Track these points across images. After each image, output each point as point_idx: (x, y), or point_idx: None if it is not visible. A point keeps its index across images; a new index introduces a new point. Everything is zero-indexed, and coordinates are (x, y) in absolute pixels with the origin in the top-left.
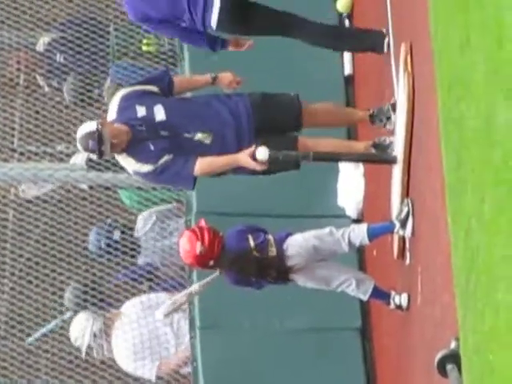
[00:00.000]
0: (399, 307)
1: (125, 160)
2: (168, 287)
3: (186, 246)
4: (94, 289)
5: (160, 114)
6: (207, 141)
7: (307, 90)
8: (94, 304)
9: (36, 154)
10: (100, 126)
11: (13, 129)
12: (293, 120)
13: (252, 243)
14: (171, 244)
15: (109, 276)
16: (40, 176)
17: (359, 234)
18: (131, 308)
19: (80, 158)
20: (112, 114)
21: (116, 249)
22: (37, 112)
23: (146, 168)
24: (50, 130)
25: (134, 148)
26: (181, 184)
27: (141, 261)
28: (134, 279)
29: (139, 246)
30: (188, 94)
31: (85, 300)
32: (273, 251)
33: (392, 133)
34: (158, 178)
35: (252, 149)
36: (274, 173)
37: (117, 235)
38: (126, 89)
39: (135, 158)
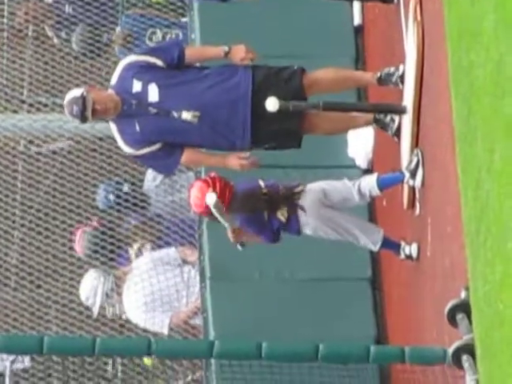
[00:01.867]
0: (409, 257)
1: (114, 133)
2: (177, 240)
3: (197, 194)
4: (105, 233)
5: (153, 94)
6: (194, 120)
7: (317, 40)
8: (110, 251)
9: (45, 106)
10: (85, 93)
11: (22, 80)
12: (294, 97)
13: (262, 184)
14: (181, 199)
15: (119, 227)
16: (49, 127)
17: (369, 184)
18: (142, 263)
19: None
20: (113, 79)
21: (126, 200)
22: (46, 63)
23: (129, 150)
24: (59, 80)
25: (121, 124)
26: (161, 172)
27: (151, 214)
28: (144, 223)
29: (149, 198)
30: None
31: (100, 247)
32: (283, 189)
33: (401, 84)
34: (140, 161)
35: (242, 155)
36: (274, 149)
37: (126, 188)
38: (131, 57)
39: (121, 135)
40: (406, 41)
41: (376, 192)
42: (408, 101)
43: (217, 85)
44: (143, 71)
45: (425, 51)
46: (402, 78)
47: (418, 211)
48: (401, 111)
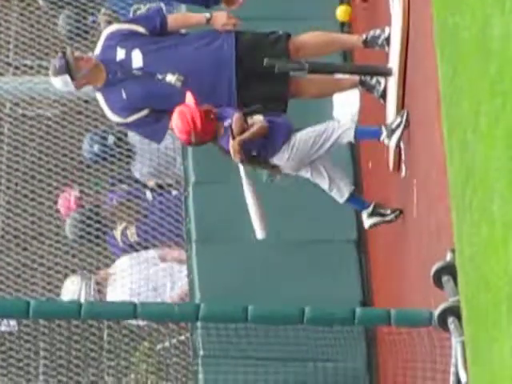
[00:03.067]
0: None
1: (101, 102)
2: (164, 218)
3: (179, 126)
4: (89, 217)
5: (137, 60)
6: (177, 84)
7: (302, 2)
8: (97, 230)
9: (31, 68)
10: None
11: (8, 42)
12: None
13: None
14: (166, 159)
15: (104, 190)
16: (35, 90)
17: (347, 134)
18: (122, 263)
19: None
20: (97, 49)
21: (111, 155)
22: (32, 25)
23: (117, 119)
24: (45, 43)
25: (107, 91)
26: (151, 138)
27: (136, 173)
28: (128, 200)
29: (134, 154)
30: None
31: (87, 227)
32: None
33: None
34: (129, 129)
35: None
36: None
37: (111, 140)
38: (113, 26)
39: (108, 103)
40: (392, 3)
41: (351, 140)
42: (394, 63)
43: (200, 48)
44: (126, 39)
45: (410, 13)
46: (387, 40)
47: (403, 173)
48: (386, 73)
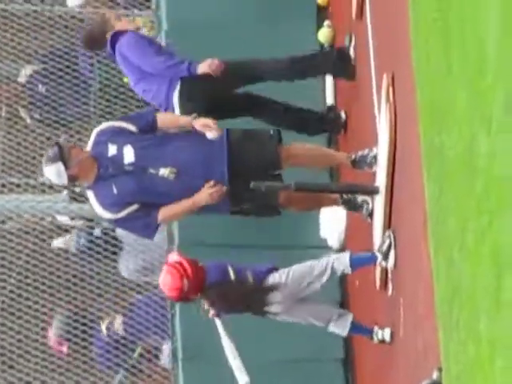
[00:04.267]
0: (382, 341)
1: (91, 199)
2: (150, 313)
3: (168, 282)
4: (80, 315)
5: (129, 156)
6: (171, 176)
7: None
8: (83, 332)
9: (18, 186)
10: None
11: None
12: (269, 163)
13: (232, 275)
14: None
15: (91, 285)
16: (22, 208)
17: (342, 262)
18: None
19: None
20: (88, 146)
21: (98, 245)
22: (19, 143)
23: (108, 215)
24: (32, 161)
25: (98, 188)
26: (142, 234)
27: (123, 270)
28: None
29: (121, 250)
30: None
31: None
32: (251, 279)
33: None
34: (120, 226)
35: (210, 184)
36: (253, 214)
37: (98, 231)
38: (104, 124)
39: (98, 199)
40: (379, 121)
41: (348, 271)
42: (380, 181)
43: (191, 142)
44: (116, 135)
45: (397, 132)
46: (375, 158)
47: (390, 292)
48: (373, 192)
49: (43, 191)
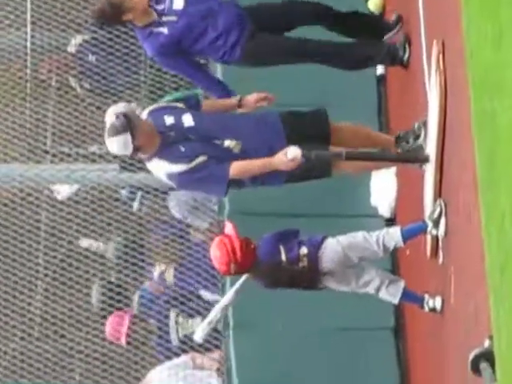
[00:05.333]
0: (433, 310)
1: (157, 165)
2: (201, 260)
3: (218, 256)
4: (118, 285)
5: (188, 121)
6: (236, 150)
7: (339, 90)
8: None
9: (69, 156)
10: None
11: (45, 130)
12: (321, 132)
13: (284, 257)
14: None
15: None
16: (73, 177)
17: (393, 237)
18: (160, 374)
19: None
20: None
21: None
22: (69, 113)
23: (179, 168)
24: (82, 131)
25: (164, 151)
26: (214, 188)
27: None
28: (172, 234)
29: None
30: None
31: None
32: (304, 265)
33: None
34: (191, 178)
35: (284, 150)
36: (305, 180)
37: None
38: (152, 106)
39: (167, 159)
40: (429, 90)
41: (400, 244)
42: (431, 149)
43: (247, 116)
44: (171, 109)
45: (447, 100)
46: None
47: (441, 260)
48: (424, 160)
49: (93, 161)
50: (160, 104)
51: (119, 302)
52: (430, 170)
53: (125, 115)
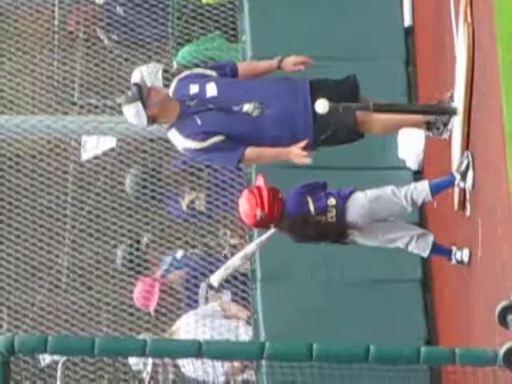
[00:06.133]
0: (461, 262)
1: (174, 136)
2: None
3: (245, 208)
4: (153, 176)
5: (212, 90)
6: (255, 113)
7: (367, 42)
8: (153, 191)
9: (96, 107)
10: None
11: (73, 82)
12: (350, 97)
13: (312, 208)
14: None
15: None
16: (100, 129)
17: (422, 191)
18: (187, 320)
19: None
20: (170, 90)
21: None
22: (97, 65)
23: (194, 144)
24: (110, 82)
25: (181, 123)
26: (226, 163)
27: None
28: (190, 166)
29: None
30: None
31: (144, 188)
32: (332, 215)
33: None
34: (204, 155)
35: (301, 144)
36: (334, 143)
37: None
38: (185, 72)
39: (183, 132)
40: (457, 42)
41: (429, 198)
42: (459, 102)
43: (275, 79)
44: (199, 78)
45: (475, 52)
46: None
47: (468, 212)
48: (452, 112)
49: (121, 112)
50: (193, 71)
51: (141, 266)
52: (457, 123)
53: (137, 85)
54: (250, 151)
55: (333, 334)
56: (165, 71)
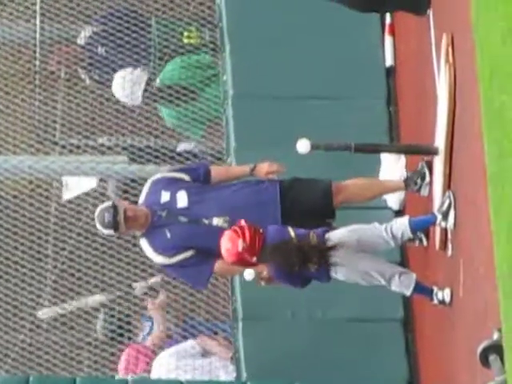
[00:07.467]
0: (442, 302)
1: (144, 247)
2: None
3: (227, 244)
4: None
5: (182, 200)
6: (225, 225)
7: (348, 81)
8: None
9: (78, 147)
10: (116, 201)
11: (54, 122)
12: (323, 204)
13: (293, 234)
14: None
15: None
16: (82, 169)
17: (401, 225)
18: (166, 359)
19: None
20: (142, 197)
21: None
22: (78, 105)
23: (162, 260)
24: (91, 122)
25: (151, 234)
26: (194, 282)
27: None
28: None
29: None
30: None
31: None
32: (314, 238)
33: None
34: (173, 272)
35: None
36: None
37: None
38: (158, 175)
39: (152, 245)
40: (438, 82)
41: (408, 235)
42: (440, 142)
43: (245, 188)
44: (171, 183)
45: (457, 92)
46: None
47: (450, 252)
48: (433, 152)
49: (103, 152)
50: (166, 175)
51: (122, 335)
52: (439, 163)
53: (114, 207)
54: (221, 265)
55: (315, 373)
56: (147, 83)
